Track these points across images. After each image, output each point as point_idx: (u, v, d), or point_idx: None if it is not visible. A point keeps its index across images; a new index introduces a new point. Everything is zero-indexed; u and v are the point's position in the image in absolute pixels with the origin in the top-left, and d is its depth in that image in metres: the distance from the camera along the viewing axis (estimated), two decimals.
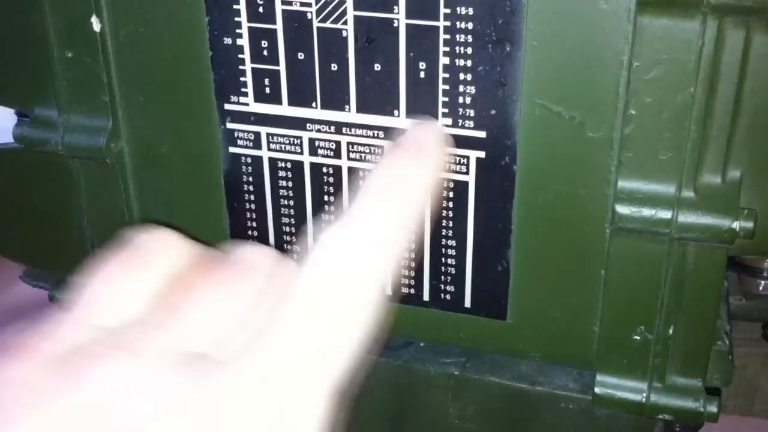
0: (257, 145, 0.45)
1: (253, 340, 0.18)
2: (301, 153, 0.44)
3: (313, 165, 0.44)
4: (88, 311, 0.20)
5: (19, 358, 0.18)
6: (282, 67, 0.42)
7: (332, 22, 0.40)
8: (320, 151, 0.43)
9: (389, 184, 0.22)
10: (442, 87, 0.40)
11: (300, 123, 0.43)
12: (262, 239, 0.47)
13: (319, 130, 0.43)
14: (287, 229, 0.46)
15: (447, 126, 0.41)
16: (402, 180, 0.22)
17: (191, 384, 0.17)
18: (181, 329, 0.19)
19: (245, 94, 0.43)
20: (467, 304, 0.45)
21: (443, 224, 0.43)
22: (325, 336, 0.19)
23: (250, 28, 0.42)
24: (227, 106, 0.44)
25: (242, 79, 0.43)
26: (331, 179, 0.44)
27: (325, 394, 0.19)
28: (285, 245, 0.47)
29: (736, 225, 0.38)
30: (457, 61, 0.39)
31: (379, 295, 0.20)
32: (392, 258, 0.21)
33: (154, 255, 0.21)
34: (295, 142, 0.44)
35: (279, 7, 0.41)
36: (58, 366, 0.18)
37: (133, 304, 0.20)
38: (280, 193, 0.45)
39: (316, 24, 0.40)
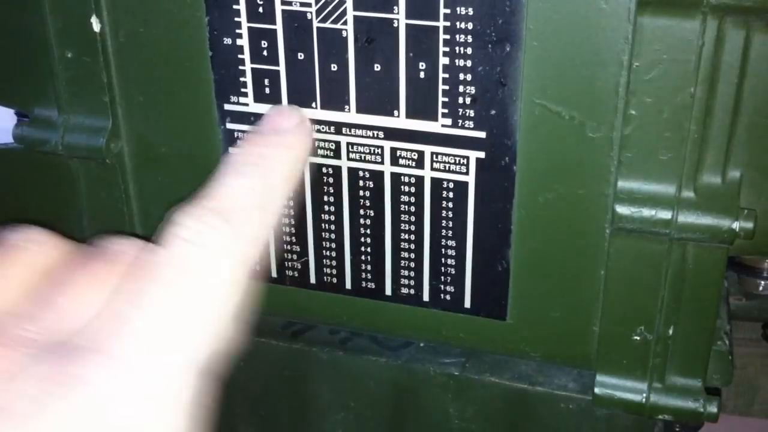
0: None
1: (116, 326, 0.19)
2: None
3: (312, 165, 0.44)
4: None
5: None
6: (282, 68, 0.42)
7: (332, 22, 0.40)
8: (320, 152, 0.43)
9: (246, 164, 0.23)
10: (442, 87, 0.40)
11: None
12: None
13: (318, 131, 0.43)
14: (287, 229, 0.46)
15: (447, 126, 0.41)
16: (259, 160, 0.23)
17: (54, 370, 0.18)
18: (48, 319, 0.20)
19: (245, 95, 0.43)
20: (467, 304, 0.45)
21: (443, 224, 0.43)
22: (178, 317, 0.19)
23: (250, 28, 0.42)
24: (227, 107, 0.44)
25: (242, 79, 0.43)
26: (331, 179, 0.44)
27: (187, 374, 0.19)
28: (285, 245, 0.47)
29: (736, 225, 0.38)
30: (457, 61, 0.39)
31: (238, 274, 0.21)
32: (250, 236, 0.21)
33: (23, 251, 0.22)
34: None
35: (279, 7, 0.41)
36: None
37: (2, 297, 0.21)
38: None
39: (316, 24, 0.40)
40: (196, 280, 0.20)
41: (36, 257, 0.22)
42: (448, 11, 0.38)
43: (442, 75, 0.40)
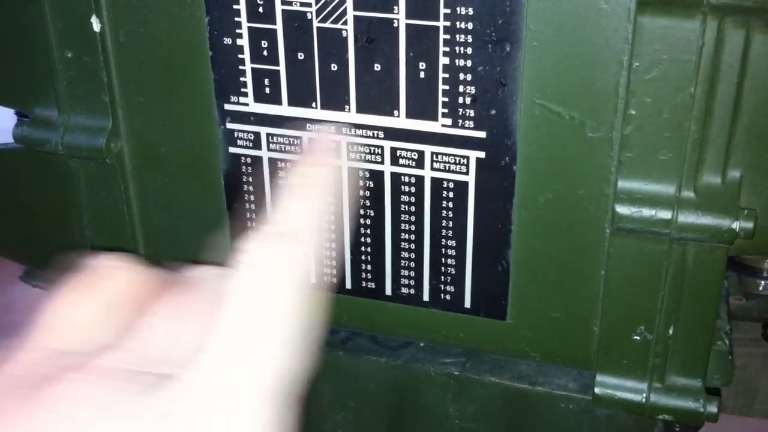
0: (257, 145, 0.45)
1: (196, 354, 0.20)
2: (301, 153, 0.44)
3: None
4: (48, 336, 0.21)
5: None
6: (282, 67, 0.42)
7: (332, 22, 0.40)
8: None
9: (295, 187, 0.25)
10: (442, 87, 0.40)
11: (300, 123, 0.43)
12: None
13: (318, 130, 0.43)
14: None
15: (447, 126, 0.41)
16: (303, 184, 0.25)
17: (143, 401, 0.19)
18: (136, 348, 0.20)
19: (245, 94, 0.43)
20: (467, 304, 0.45)
21: (443, 224, 0.43)
22: (255, 339, 0.20)
23: (250, 28, 0.42)
24: (227, 106, 0.44)
25: (242, 79, 0.43)
26: (331, 179, 0.44)
27: (266, 394, 0.20)
28: None
29: (736, 225, 0.38)
30: (457, 61, 0.39)
31: (302, 293, 0.22)
32: (307, 254, 0.22)
33: (109, 279, 0.22)
34: (295, 142, 0.44)
35: (279, 7, 0.41)
36: (19, 390, 0.19)
37: (90, 328, 0.21)
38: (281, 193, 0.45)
39: (316, 24, 0.40)
40: (266, 304, 0.21)
41: (122, 285, 0.22)
42: (448, 11, 0.38)
43: (442, 75, 0.40)
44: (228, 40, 0.42)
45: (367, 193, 0.44)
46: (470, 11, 0.38)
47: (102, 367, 0.19)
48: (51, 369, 0.19)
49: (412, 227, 0.44)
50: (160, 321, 0.21)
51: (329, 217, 0.45)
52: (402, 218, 0.44)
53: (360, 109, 0.42)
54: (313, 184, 0.25)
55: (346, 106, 0.42)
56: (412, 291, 0.46)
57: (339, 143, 0.43)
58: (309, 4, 0.40)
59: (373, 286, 0.46)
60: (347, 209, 0.45)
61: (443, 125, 0.41)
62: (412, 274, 0.45)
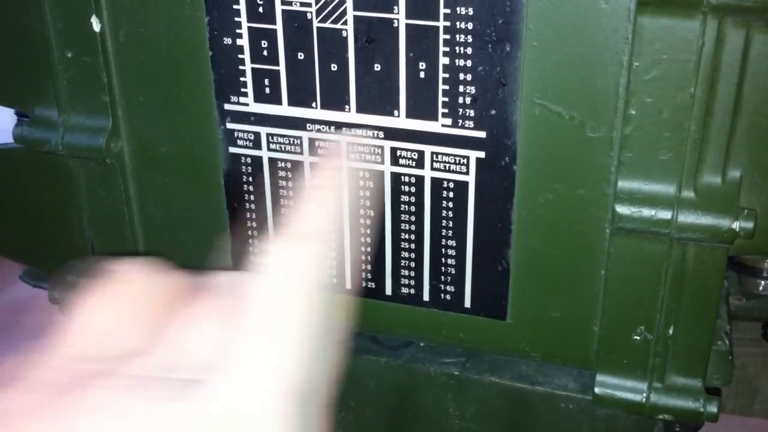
0: (257, 145, 0.45)
1: (220, 359, 0.20)
2: (301, 153, 0.44)
3: (313, 165, 0.44)
4: (75, 341, 0.21)
5: (14, 388, 0.19)
6: (282, 67, 0.42)
7: (332, 22, 0.40)
8: (320, 151, 0.43)
9: (310, 190, 0.25)
10: (442, 87, 0.40)
11: (300, 123, 0.43)
12: (262, 240, 0.47)
13: (319, 130, 0.43)
14: None
15: (447, 126, 0.41)
16: (316, 188, 0.25)
17: (168, 407, 0.19)
18: (160, 356, 0.21)
19: (245, 94, 0.43)
20: (467, 304, 0.45)
21: (443, 224, 0.43)
22: (279, 344, 0.20)
23: (250, 28, 0.42)
24: (227, 106, 0.44)
25: (242, 79, 0.43)
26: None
27: (290, 398, 0.20)
28: None
29: (736, 225, 0.38)
30: (457, 61, 0.39)
31: (326, 295, 0.22)
32: (323, 255, 0.23)
33: (134, 285, 0.23)
34: (295, 142, 0.44)
35: (279, 7, 0.41)
36: (51, 396, 0.19)
37: (116, 334, 0.21)
38: (280, 193, 0.45)
39: (316, 24, 0.40)
40: (289, 308, 0.21)
41: (147, 291, 0.23)
42: (448, 11, 0.38)
43: (442, 75, 0.40)
44: (228, 40, 0.42)
45: (367, 193, 0.44)
46: (470, 11, 0.38)
47: (127, 374, 0.20)
48: (77, 375, 0.20)
49: (412, 227, 0.44)
50: (184, 326, 0.22)
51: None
52: (402, 218, 0.44)
53: (360, 109, 0.42)
54: (332, 188, 0.26)
55: (346, 106, 0.42)
56: (412, 291, 0.46)
57: (343, 146, 0.43)
58: (309, 4, 0.40)
59: (373, 286, 0.46)
60: (347, 209, 0.45)
61: (443, 125, 0.41)
62: (412, 274, 0.45)
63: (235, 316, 0.21)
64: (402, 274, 0.46)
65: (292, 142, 0.44)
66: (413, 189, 0.43)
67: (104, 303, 0.22)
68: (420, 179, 0.43)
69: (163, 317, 0.22)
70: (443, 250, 0.44)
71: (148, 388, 0.19)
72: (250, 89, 0.43)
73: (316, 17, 0.40)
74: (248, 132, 0.44)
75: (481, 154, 0.41)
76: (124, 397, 0.19)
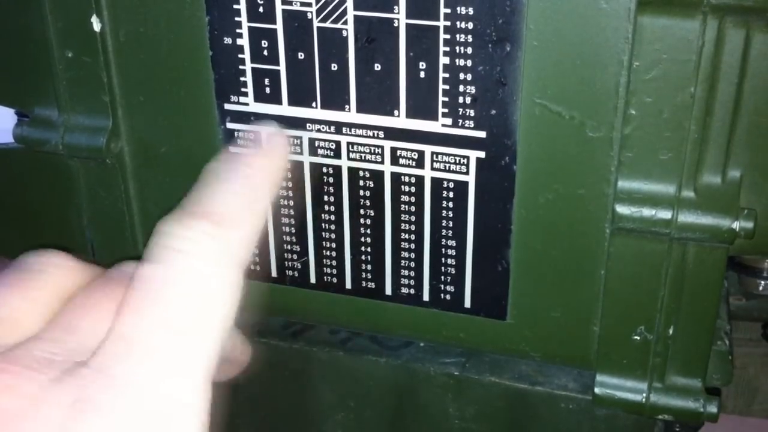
0: (257, 145, 0.44)
1: (120, 349, 0.20)
2: (301, 153, 0.44)
3: (312, 165, 0.44)
4: None
5: None
6: (282, 67, 0.42)
7: (332, 21, 0.40)
8: (320, 151, 0.43)
9: (227, 170, 0.24)
10: (442, 87, 0.40)
11: (300, 123, 0.43)
12: (261, 239, 0.47)
13: (319, 130, 0.43)
14: (287, 229, 0.46)
15: (447, 126, 0.41)
16: (240, 165, 0.24)
17: (74, 396, 0.19)
18: (69, 341, 0.21)
19: (245, 94, 0.43)
20: (467, 304, 0.45)
21: (443, 224, 0.43)
22: (181, 331, 0.20)
23: (250, 27, 0.42)
24: (227, 106, 0.44)
25: (242, 78, 0.43)
26: (331, 179, 0.44)
27: (197, 386, 0.20)
28: (285, 245, 0.47)
29: (736, 225, 0.38)
30: (457, 61, 0.39)
31: (234, 278, 0.21)
32: (241, 238, 0.22)
33: (44, 275, 0.23)
34: (295, 142, 0.44)
35: (279, 7, 0.41)
36: None
37: (19, 321, 0.21)
38: (280, 193, 0.45)
39: (316, 24, 0.40)
40: (193, 290, 0.20)
41: (56, 280, 0.23)
42: (448, 11, 0.38)
43: (442, 75, 0.40)
44: (228, 40, 0.42)
45: (367, 193, 0.44)
46: (470, 11, 0.38)
47: (20, 356, 0.20)
48: None
49: (412, 227, 0.44)
50: (83, 312, 0.21)
51: (326, 225, 0.45)
52: (402, 218, 0.44)
53: (360, 109, 0.42)
54: (244, 168, 0.24)
55: (346, 106, 0.42)
56: (412, 291, 0.46)
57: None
58: (309, 4, 0.40)
59: (373, 286, 0.46)
60: (347, 209, 0.45)
61: (443, 125, 0.41)
62: (412, 274, 0.45)
63: (138, 303, 0.20)
64: (402, 274, 0.46)
65: (292, 142, 0.44)
66: (413, 189, 0.43)
67: (8, 291, 0.22)
68: (420, 179, 0.43)
69: (74, 306, 0.22)
70: (443, 250, 0.44)
71: (37, 369, 0.19)
72: (250, 89, 0.43)
73: (317, 17, 0.40)
74: (248, 132, 0.44)
75: (481, 154, 0.41)
76: (11, 378, 0.19)
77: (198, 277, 0.20)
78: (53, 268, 0.23)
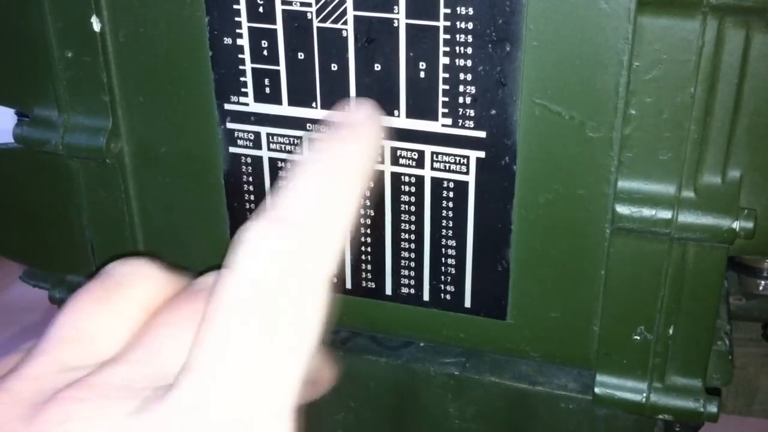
0: (257, 145, 0.45)
1: (202, 377, 0.18)
2: (301, 153, 0.44)
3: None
4: (58, 348, 0.20)
5: None
6: (282, 67, 0.42)
7: (332, 22, 0.40)
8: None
9: (312, 167, 0.20)
10: (442, 87, 0.40)
11: (300, 123, 0.43)
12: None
13: (319, 130, 0.43)
14: None
15: (447, 126, 0.41)
16: (325, 160, 0.21)
17: (136, 418, 0.17)
18: (138, 363, 0.19)
19: (245, 94, 0.43)
20: (467, 304, 0.45)
21: (443, 224, 0.43)
22: (265, 356, 0.18)
23: (250, 28, 0.42)
24: (227, 106, 0.44)
25: (242, 79, 0.43)
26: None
27: (282, 412, 0.18)
28: None
29: (736, 225, 0.38)
30: (457, 61, 0.39)
31: (319, 291, 0.19)
32: (325, 245, 0.19)
33: (130, 287, 0.21)
34: (295, 142, 0.44)
35: (279, 7, 0.41)
36: (30, 408, 0.18)
37: (102, 339, 0.20)
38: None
39: (316, 24, 0.40)
40: (275, 309, 0.18)
41: (143, 294, 0.21)
42: (448, 11, 0.38)
43: (442, 75, 0.40)
44: (228, 40, 0.42)
45: (367, 193, 0.44)
46: (470, 11, 0.38)
47: (100, 384, 0.18)
48: (54, 385, 0.18)
49: (412, 227, 0.44)
50: (167, 331, 0.20)
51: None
52: (402, 218, 0.44)
53: None
54: (345, 165, 0.21)
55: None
56: (412, 291, 0.46)
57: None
58: (309, 4, 0.40)
59: (373, 286, 0.46)
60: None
61: (443, 125, 0.41)
62: (412, 274, 0.45)
63: (217, 325, 0.18)
64: (402, 274, 0.46)
65: (292, 142, 0.44)
66: (413, 189, 0.43)
67: (92, 307, 0.21)
68: (420, 179, 0.43)
69: (159, 323, 0.20)
70: (443, 250, 0.44)
71: (117, 398, 0.18)
72: (250, 89, 0.43)
73: (316, 17, 0.40)
74: (248, 132, 0.44)
75: (481, 154, 0.41)
76: (90, 408, 0.18)
77: (279, 295, 0.18)
78: (141, 279, 0.21)
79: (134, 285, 0.21)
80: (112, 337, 0.20)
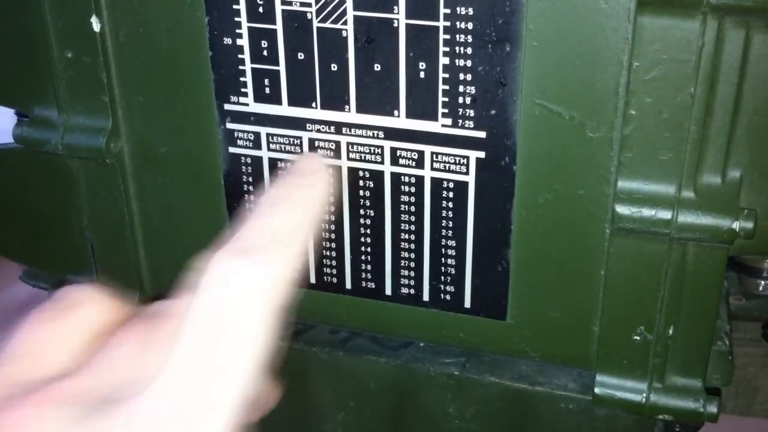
0: (257, 145, 0.45)
1: (147, 379, 0.19)
2: (301, 153, 0.44)
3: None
4: (12, 364, 0.21)
5: None
6: (282, 67, 0.42)
7: (332, 22, 0.40)
8: (320, 151, 0.43)
9: (267, 204, 0.23)
10: (442, 87, 0.40)
11: (300, 123, 0.43)
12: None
13: (319, 130, 0.43)
14: None
15: (447, 126, 0.41)
16: (279, 200, 0.23)
17: (90, 424, 0.19)
18: (92, 376, 0.21)
19: (245, 94, 0.43)
20: (467, 304, 0.45)
21: (443, 224, 0.43)
22: (214, 372, 0.19)
23: (250, 28, 0.42)
24: (227, 106, 0.44)
25: (242, 79, 0.43)
26: (331, 179, 0.44)
27: (226, 411, 0.19)
28: None
29: (736, 225, 0.38)
30: (457, 61, 0.39)
31: (271, 315, 0.21)
32: (279, 274, 0.21)
33: (77, 311, 0.23)
34: (295, 142, 0.44)
35: (279, 7, 0.41)
36: None
37: (54, 357, 0.22)
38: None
39: (316, 24, 0.40)
40: (228, 330, 0.20)
41: (88, 316, 0.23)
42: (448, 11, 0.38)
43: (442, 75, 0.40)
44: (228, 40, 0.42)
45: (367, 193, 0.44)
46: (470, 11, 0.38)
47: (55, 393, 0.20)
48: (8, 397, 0.20)
49: (412, 227, 0.44)
50: (119, 350, 0.22)
51: (326, 225, 0.45)
52: (402, 218, 0.44)
53: (360, 109, 0.42)
54: (303, 194, 0.24)
55: (346, 106, 0.42)
56: (412, 291, 0.46)
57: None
58: (309, 4, 0.40)
59: (373, 286, 0.46)
60: (347, 210, 0.45)
61: (443, 125, 0.41)
62: (412, 274, 0.45)
63: (165, 337, 0.20)
64: (402, 274, 0.46)
65: (292, 142, 0.44)
66: (413, 189, 0.43)
67: (44, 327, 0.22)
68: (420, 179, 0.43)
69: (102, 341, 0.22)
70: (443, 250, 0.44)
71: (72, 406, 0.19)
72: (250, 89, 0.43)
73: (316, 17, 0.40)
74: (248, 132, 0.44)
75: (481, 154, 0.41)
76: (46, 415, 0.19)
77: (233, 318, 0.20)
78: (88, 303, 0.23)
79: (82, 308, 0.23)
80: (60, 354, 0.22)
